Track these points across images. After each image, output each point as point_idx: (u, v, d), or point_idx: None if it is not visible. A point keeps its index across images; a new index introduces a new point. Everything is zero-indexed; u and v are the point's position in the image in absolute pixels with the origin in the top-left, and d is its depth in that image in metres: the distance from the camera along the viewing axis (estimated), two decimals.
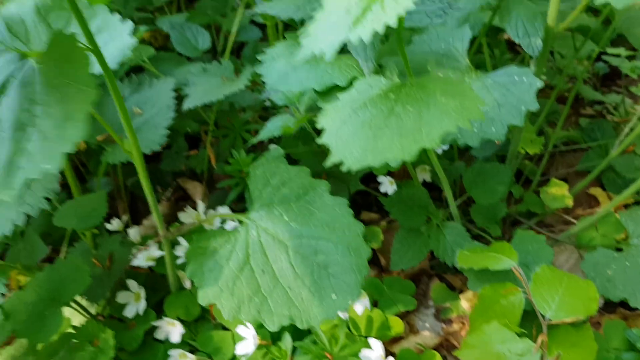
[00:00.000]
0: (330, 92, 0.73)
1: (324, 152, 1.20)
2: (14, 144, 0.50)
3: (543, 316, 0.74)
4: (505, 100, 0.75)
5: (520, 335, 0.73)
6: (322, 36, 0.46)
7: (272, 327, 0.64)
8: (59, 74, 0.54)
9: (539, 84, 0.73)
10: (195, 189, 1.32)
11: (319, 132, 1.17)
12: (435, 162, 0.79)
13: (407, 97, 0.52)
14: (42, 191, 0.77)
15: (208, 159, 1.26)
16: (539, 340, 0.72)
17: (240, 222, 0.75)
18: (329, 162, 0.53)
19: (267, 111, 1.31)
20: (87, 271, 0.86)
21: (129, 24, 0.74)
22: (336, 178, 1.17)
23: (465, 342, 0.77)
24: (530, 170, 1.20)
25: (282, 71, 0.75)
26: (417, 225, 0.91)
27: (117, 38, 0.72)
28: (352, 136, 0.52)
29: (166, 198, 1.28)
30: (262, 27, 1.45)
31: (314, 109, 0.94)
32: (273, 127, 0.92)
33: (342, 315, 0.89)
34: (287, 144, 1.19)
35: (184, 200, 1.33)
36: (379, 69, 0.74)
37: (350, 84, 0.71)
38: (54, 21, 0.73)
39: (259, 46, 1.39)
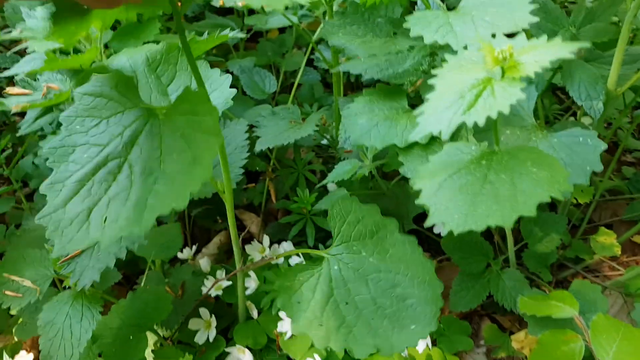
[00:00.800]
0: (410, 148, 0.79)
1: (379, 193, 1.27)
2: (144, 187, 0.57)
3: None
4: (571, 160, 0.81)
5: None
6: (436, 117, 0.53)
7: (360, 355, 0.70)
8: (187, 125, 0.60)
9: (603, 146, 0.79)
10: (252, 221, 1.39)
11: (384, 176, 1.24)
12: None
13: (499, 165, 0.59)
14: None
15: (267, 193, 1.33)
16: None
17: (321, 257, 0.81)
18: (430, 222, 0.59)
19: (322, 149, 1.38)
20: (169, 299, 0.92)
21: (229, 77, 0.81)
22: (391, 217, 1.23)
23: None
24: (577, 217, 1.25)
25: (364, 127, 0.82)
26: (478, 271, 0.97)
27: (219, 89, 0.80)
28: (451, 201, 0.58)
29: (225, 228, 1.35)
30: (318, 67, 1.54)
31: (380, 157, 1.01)
32: (342, 170, 0.99)
33: (403, 353, 0.94)
34: (344, 185, 1.25)
35: (240, 230, 1.39)
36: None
37: (429, 142, 0.78)
38: (161, 74, 0.81)
39: (315, 87, 1.47)
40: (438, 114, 0.53)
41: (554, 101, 1.34)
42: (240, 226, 1.41)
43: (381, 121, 0.82)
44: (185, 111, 0.61)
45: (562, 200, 0.75)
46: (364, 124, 0.82)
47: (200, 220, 1.36)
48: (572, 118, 1.40)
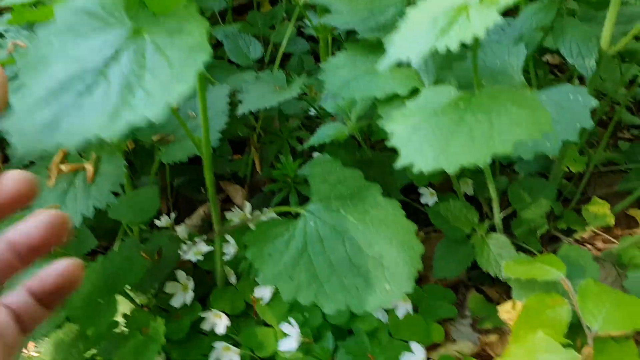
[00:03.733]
0: (390, 100, 0.76)
1: (366, 161, 1.24)
2: (120, 100, 0.51)
3: (589, 328, 0.75)
4: (560, 117, 0.78)
5: (565, 346, 0.75)
6: (408, 44, 0.49)
7: (329, 310, 0.67)
8: (171, 43, 0.55)
9: (594, 102, 0.75)
10: (237, 192, 1.35)
11: (368, 142, 1.21)
12: (488, 172, 0.81)
13: (478, 107, 0.55)
14: (109, 185, 0.81)
15: (252, 164, 1.29)
16: (585, 351, 0.73)
17: (298, 214, 0.77)
18: (399, 164, 0.55)
19: (311, 120, 1.34)
20: (141, 262, 0.89)
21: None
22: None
23: (508, 351, 0.79)
24: (569, 190, 1.21)
25: (344, 79, 0.79)
26: (462, 236, 0.93)
27: None
28: (424, 141, 0.54)
29: (208, 199, 1.32)
30: (309, 39, 1.50)
31: (364, 119, 0.97)
32: (324, 134, 0.96)
33: (383, 318, 0.91)
34: (329, 153, 1.22)
35: (225, 202, 1.36)
36: (438, 82, 0.77)
37: (411, 93, 0.74)
38: None
39: (305, 58, 1.44)
40: (409, 40, 0.49)
41: (547, 72, 1.30)
42: (226, 199, 1.37)
43: (362, 74, 0.78)
44: (171, 29, 0.57)
45: (542, 139, 0.72)
46: (344, 76, 0.79)
47: (183, 190, 1.33)
48: None
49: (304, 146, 0.99)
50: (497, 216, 0.92)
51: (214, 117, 1.02)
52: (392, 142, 0.57)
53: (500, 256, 0.90)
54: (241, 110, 1.03)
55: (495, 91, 0.57)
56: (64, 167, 0.83)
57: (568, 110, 0.76)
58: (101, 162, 0.84)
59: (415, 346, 0.81)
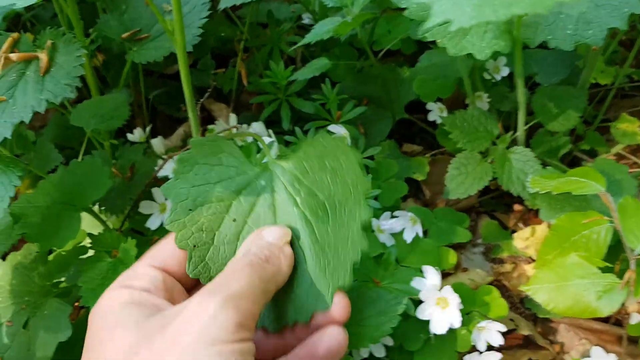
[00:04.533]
0: None
1: (366, 74, 1.10)
2: None
3: (632, 250, 0.65)
4: (604, 0, 0.66)
5: (604, 270, 0.64)
6: None
7: None
8: None
9: None
10: (221, 111, 1.22)
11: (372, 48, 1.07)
12: (519, 52, 0.68)
13: None
14: (65, 77, 0.67)
15: (238, 78, 1.15)
16: (627, 276, 0.63)
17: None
18: (430, 23, 0.42)
19: (304, 29, 1.19)
20: (107, 173, 0.77)
21: None
22: (379, 106, 1.07)
23: (535, 277, 0.69)
24: (589, 113, 1.10)
25: None
26: (481, 149, 0.81)
27: None
28: None
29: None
30: None
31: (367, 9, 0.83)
32: (322, 29, 0.82)
33: (388, 242, 0.80)
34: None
35: (208, 122, 1.23)
36: None
37: None
38: None
39: None
40: None
41: None
42: (209, 117, 1.24)
43: None
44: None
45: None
46: None
47: (162, 108, 1.19)
48: None
49: (299, 45, 0.85)
50: (522, 126, 0.80)
51: (191, 11, 0.87)
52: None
53: (523, 172, 0.79)
54: (222, 4, 0.88)
55: None
56: (13, 56, 0.69)
57: None
58: (57, 51, 0.70)
59: (429, 270, 0.70)
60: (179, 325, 0.37)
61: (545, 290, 0.67)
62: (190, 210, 0.49)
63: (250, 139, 0.89)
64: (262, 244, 0.46)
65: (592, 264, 0.65)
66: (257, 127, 0.95)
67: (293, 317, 0.47)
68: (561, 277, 0.66)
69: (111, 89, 1.13)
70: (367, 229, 0.48)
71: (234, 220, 0.50)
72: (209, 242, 0.49)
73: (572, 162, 1.02)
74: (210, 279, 0.46)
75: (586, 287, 0.64)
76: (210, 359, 0.35)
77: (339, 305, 0.46)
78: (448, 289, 0.69)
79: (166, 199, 0.86)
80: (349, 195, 0.50)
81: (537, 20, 0.65)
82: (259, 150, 0.84)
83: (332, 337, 0.45)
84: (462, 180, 0.82)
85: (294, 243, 0.49)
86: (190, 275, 0.47)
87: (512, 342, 0.82)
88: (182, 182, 0.50)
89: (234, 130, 0.93)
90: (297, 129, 0.91)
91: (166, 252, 0.47)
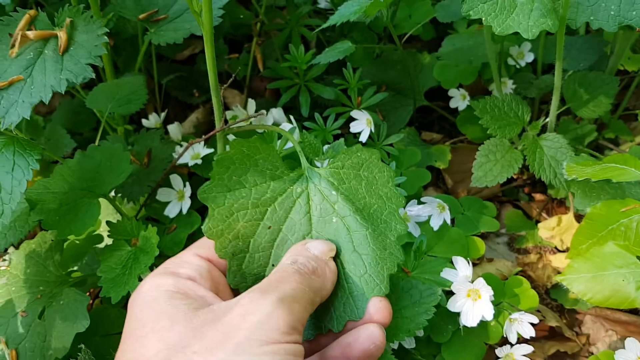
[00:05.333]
0: None
1: (385, 59, 1.08)
2: None
3: None
4: None
5: None
6: None
7: None
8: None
9: None
10: (234, 98, 1.19)
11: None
12: (561, 34, 0.65)
13: None
14: (85, 56, 0.64)
15: (252, 65, 1.12)
16: None
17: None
18: None
19: (320, 15, 1.17)
20: (127, 158, 0.74)
21: None
22: (399, 92, 1.04)
23: (569, 267, 0.66)
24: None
25: None
26: (512, 135, 0.79)
27: None
28: None
29: (202, 102, 1.16)
30: None
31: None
32: (348, 10, 0.79)
33: (416, 232, 0.78)
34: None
35: None
36: None
37: None
38: None
39: None
40: None
41: None
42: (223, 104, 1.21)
43: None
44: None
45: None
46: None
47: (175, 93, 1.16)
48: None
49: (323, 26, 0.82)
50: (554, 111, 0.77)
51: None
52: None
53: (554, 160, 0.76)
54: None
55: None
56: (31, 34, 0.66)
57: None
58: (76, 29, 0.67)
59: (459, 260, 0.68)
60: (232, 321, 0.36)
61: (581, 280, 0.65)
62: (227, 217, 0.48)
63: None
64: (309, 255, 0.45)
65: (631, 253, 0.63)
66: (276, 113, 0.93)
67: (327, 325, 0.47)
68: (598, 266, 0.64)
69: (122, 74, 1.10)
70: (402, 242, 0.47)
71: (269, 227, 0.49)
72: (245, 250, 0.48)
73: (595, 150, 1.00)
74: (247, 287, 0.44)
75: (625, 277, 0.62)
76: (263, 357, 0.34)
77: (381, 310, 0.45)
78: (481, 281, 0.67)
79: (184, 186, 0.83)
80: (384, 207, 0.50)
81: (579, 0, 0.63)
82: (279, 137, 0.82)
83: (369, 337, 0.44)
84: (491, 168, 0.79)
85: None
86: (232, 286, 0.47)
87: (539, 334, 0.80)
88: (219, 186, 0.49)
89: (255, 119, 0.90)
90: (316, 115, 0.89)
91: (212, 243, 0.46)
